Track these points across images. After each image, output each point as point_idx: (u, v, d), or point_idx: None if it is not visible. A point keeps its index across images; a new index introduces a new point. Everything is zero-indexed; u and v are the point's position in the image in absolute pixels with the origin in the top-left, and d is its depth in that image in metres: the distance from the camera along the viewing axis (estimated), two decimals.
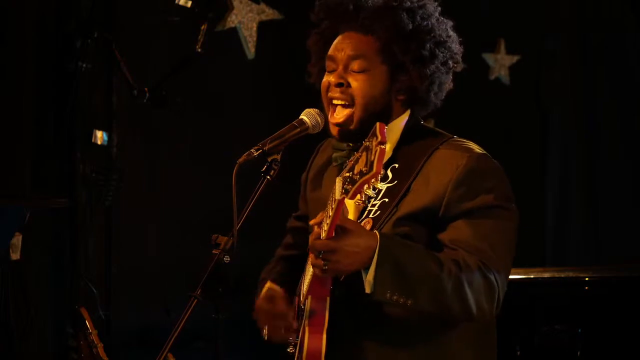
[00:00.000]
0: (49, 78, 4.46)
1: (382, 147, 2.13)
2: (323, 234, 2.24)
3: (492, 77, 6.20)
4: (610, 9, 6.48)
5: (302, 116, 2.45)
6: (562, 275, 4.66)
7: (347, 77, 2.46)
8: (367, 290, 2.28)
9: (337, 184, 2.21)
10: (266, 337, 2.58)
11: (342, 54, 2.47)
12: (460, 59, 2.55)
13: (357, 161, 2.18)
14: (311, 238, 2.28)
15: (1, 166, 4.27)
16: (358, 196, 2.16)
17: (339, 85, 2.46)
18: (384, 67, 2.46)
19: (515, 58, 6.23)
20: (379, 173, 2.13)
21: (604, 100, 6.47)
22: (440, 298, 2.29)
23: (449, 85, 2.55)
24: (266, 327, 2.58)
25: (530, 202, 6.25)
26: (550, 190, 6.43)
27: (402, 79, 2.47)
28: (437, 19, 2.51)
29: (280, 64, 5.08)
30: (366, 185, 2.14)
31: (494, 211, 2.39)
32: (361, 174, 2.14)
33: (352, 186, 2.15)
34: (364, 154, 2.16)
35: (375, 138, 2.14)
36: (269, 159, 2.35)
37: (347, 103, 2.46)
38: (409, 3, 2.48)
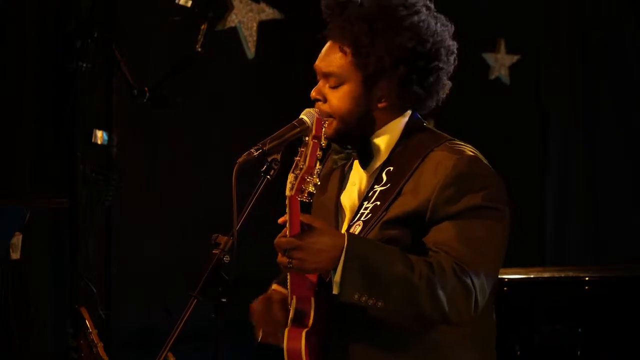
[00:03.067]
0: (49, 78, 4.46)
1: (315, 141, 2.22)
2: (288, 232, 2.25)
3: (492, 77, 6.20)
4: (609, 7, 6.48)
5: (302, 116, 2.45)
6: (562, 275, 4.67)
7: (324, 91, 2.48)
8: (335, 291, 2.27)
9: (288, 180, 2.25)
10: (258, 339, 2.58)
11: (320, 67, 2.49)
12: (447, 59, 2.48)
13: (300, 157, 2.24)
14: (278, 236, 2.29)
15: (1, 166, 4.27)
16: (305, 193, 2.22)
17: (317, 100, 2.49)
18: (357, 78, 2.45)
19: (515, 58, 6.24)
20: (312, 168, 2.21)
21: (604, 99, 6.48)
22: (411, 299, 2.27)
23: (441, 85, 2.51)
24: (260, 330, 2.58)
25: (530, 202, 6.27)
26: (550, 190, 6.43)
27: (376, 89, 2.46)
28: (408, 25, 2.43)
29: (280, 64, 5.08)
30: (305, 181, 2.20)
31: (481, 212, 2.35)
32: (300, 170, 2.20)
33: (295, 182, 2.20)
34: (304, 149, 2.23)
35: (311, 132, 2.23)
36: (269, 159, 2.34)
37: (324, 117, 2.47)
38: (376, 11, 2.43)
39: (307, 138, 2.26)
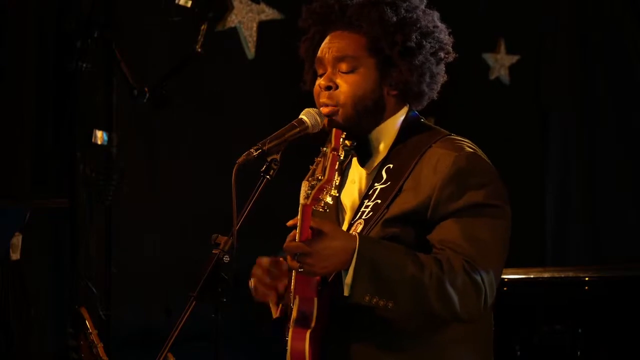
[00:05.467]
0: (49, 78, 4.46)
1: (335, 153, 2.23)
2: (297, 237, 2.25)
3: (492, 77, 6.20)
4: (609, 7, 6.48)
5: (302, 116, 2.45)
6: (562, 275, 4.67)
7: (335, 78, 2.45)
8: (345, 293, 2.27)
9: (302, 187, 2.24)
10: (251, 287, 2.54)
11: (329, 54, 2.46)
12: (450, 49, 2.53)
13: (317, 166, 2.24)
14: (287, 239, 2.29)
15: (1, 166, 4.27)
16: (321, 203, 2.23)
17: (328, 88, 2.45)
18: (372, 63, 2.45)
19: (515, 58, 6.24)
20: (332, 180, 2.21)
21: (604, 99, 6.48)
22: (422, 299, 2.27)
23: (442, 76, 2.53)
24: (254, 280, 2.54)
25: (530, 202, 6.26)
26: (550, 190, 6.43)
27: (392, 74, 2.46)
28: (423, 11, 2.50)
29: (280, 64, 5.08)
30: (323, 192, 2.21)
31: (483, 210, 2.36)
32: (318, 180, 2.21)
33: (311, 192, 2.20)
34: (322, 160, 2.24)
35: (330, 144, 2.23)
36: (269, 159, 2.35)
37: (334, 104, 2.45)
38: None
39: (325, 149, 2.25)
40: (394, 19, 2.44)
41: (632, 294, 4.29)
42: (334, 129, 2.30)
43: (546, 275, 4.68)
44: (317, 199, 2.23)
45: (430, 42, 2.47)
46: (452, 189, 2.36)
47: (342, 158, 2.31)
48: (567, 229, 6.44)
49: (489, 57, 6.18)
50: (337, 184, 2.26)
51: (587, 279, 4.31)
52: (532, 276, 4.55)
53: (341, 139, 2.29)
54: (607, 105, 6.50)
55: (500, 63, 6.21)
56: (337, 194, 2.29)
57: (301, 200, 2.23)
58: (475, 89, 5.87)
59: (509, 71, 6.23)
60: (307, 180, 2.24)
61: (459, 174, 2.37)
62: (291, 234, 2.30)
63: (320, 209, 2.25)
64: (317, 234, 2.25)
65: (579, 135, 6.48)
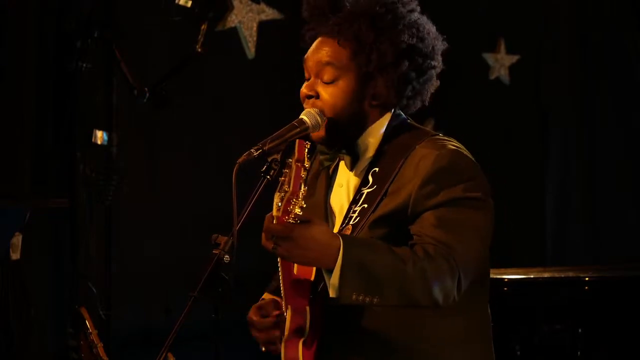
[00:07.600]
0: (49, 78, 4.46)
1: (298, 164, 2.20)
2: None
3: (492, 77, 6.20)
4: (609, 7, 6.49)
5: (302, 116, 2.45)
6: (562, 275, 4.67)
7: (317, 87, 2.46)
8: (332, 294, 2.25)
9: (274, 200, 2.22)
10: (263, 349, 2.56)
11: (313, 62, 2.47)
12: (439, 58, 2.51)
13: (285, 178, 2.23)
14: (266, 220, 2.25)
15: (1, 166, 4.27)
16: (292, 214, 2.19)
17: (309, 97, 2.46)
18: (352, 74, 2.45)
19: (515, 58, 6.24)
20: (297, 192, 2.19)
21: (604, 99, 6.49)
22: (407, 291, 2.26)
23: (432, 84, 2.52)
24: (255, 335, 2.55)
25: (530, 202, 6.27)
26: (551, 190, 6.44)
27: (371, 86, 2.46)
28: (409, 22, 2.46)
29: (280, 64, 5.08)
30: (291, 204, 2.19)
31: (461, 202, 2.35)
32: (285, 192, 2.19)
33: (282, 204, 2.19)
34: (288, 172, 2.22)
35: (293, 155, 2.21)
36: (269, 159, 2.34)
37: None
38: (377, 7, 2.45)
39: (290, 160, 2.23)
40: (371, 37, 2.42)
41: (632, 294, 4.29)
42: (297, 140, 2.28)
43: (546, 275, 4.68)
44: (286, 211, 2.20)
45: (410, 57, 2.44)
46: (432, 187, 2.35)
47: (308, 168, 2.27)
48: (567, 229, 6.44)
49: (489, 57, 6.18)
50: (304, 194, 2.23)
51: (587, 279, 4.31)
52: (532, 276, 4.55)
53: (305, 149, 2.26)
54: (607, 105, 6.51)
55: (500, 63, 6.21)
56: (304, 205, 2.25)
57: (274, 213, 2.21)
58: (475, 89, 5.87)
59: (509, 71, 6.24)
60: (278, 192, 2.22)
61: (439, 172, 2.36)
62: (268, 215, 2.25)
63: (292, 220, 2.20)
64: (305, 222, 2.22)
65: (579, 135, 6.48)
